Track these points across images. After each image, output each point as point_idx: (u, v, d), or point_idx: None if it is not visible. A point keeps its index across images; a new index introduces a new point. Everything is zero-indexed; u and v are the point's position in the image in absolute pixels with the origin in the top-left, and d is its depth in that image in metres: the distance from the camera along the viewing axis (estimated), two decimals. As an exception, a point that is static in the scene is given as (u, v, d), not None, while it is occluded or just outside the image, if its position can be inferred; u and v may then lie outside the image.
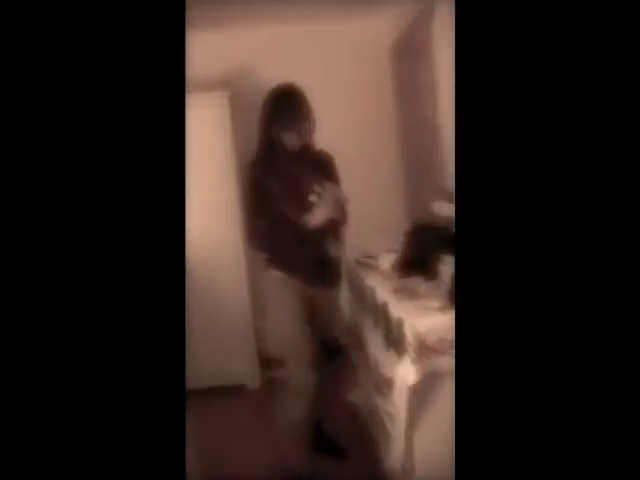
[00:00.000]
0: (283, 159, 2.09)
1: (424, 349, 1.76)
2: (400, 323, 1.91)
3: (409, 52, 3.40)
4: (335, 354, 2.77)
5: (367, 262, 2.64)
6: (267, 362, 3.27)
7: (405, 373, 1.79)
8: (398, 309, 1.99)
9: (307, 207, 2.00)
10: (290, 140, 2.09)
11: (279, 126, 2.08)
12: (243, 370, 3.33)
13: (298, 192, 2.04)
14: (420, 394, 1.80)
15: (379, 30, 3.57)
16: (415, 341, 1.78)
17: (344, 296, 2.77)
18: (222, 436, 2.73)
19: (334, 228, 2.15)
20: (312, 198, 2.04)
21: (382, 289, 2.24)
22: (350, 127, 3.52)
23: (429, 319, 1.79)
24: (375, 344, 2.28)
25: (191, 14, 2.97)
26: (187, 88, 3.31)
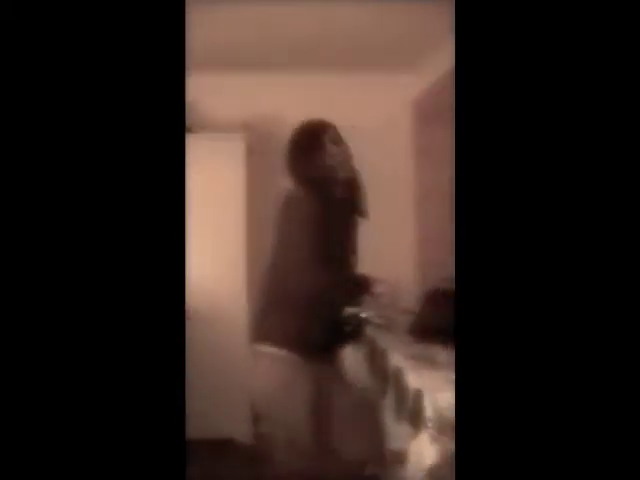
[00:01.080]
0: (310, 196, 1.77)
1: (446, 427, 1.60)
2: (418, 395, 1.76)
3: (430, 113, 3.37)
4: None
5: (378, 322, 2.50)
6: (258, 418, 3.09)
7: (422, 451, 1.64)
8: (415, 378, 1.84)
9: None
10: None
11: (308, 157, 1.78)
12: (235, 424, 3.14)
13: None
14: (436, 476, 1.64)
15: (403, 85, 3.54)
16: (437, 417, 1.63)
17: (349, 354, 2.61)
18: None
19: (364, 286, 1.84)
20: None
21: (396, 353, 2.09)
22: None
23: (452, 394, 1.65)
24: (383, 413, 2.12)
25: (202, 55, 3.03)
26: (202, 129, 3.29)
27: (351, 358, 2.64)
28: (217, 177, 3.09)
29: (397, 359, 2.05)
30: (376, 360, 2.28)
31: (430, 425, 1.64)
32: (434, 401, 1.66)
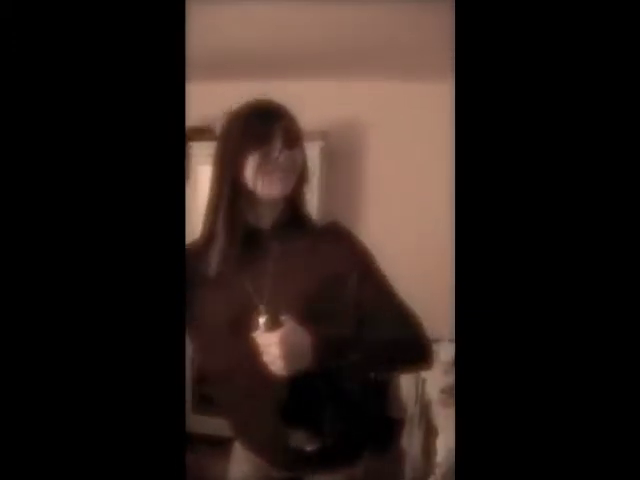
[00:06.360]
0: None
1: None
2: (434, 434, 1.53)
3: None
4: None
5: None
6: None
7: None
8: (439, 414, 1.61)
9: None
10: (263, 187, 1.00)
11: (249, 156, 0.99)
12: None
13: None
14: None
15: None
16: (446, 464, 1.40)
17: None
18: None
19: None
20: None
21: (433, 384, 1.86)
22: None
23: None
24: (412, 450, 1.89)
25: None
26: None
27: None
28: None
29: (431, 390, 1.82)
30: (417, 387, 2.05)
31: (437, 472, 1.41)
32: (446, 445, 1.42)
